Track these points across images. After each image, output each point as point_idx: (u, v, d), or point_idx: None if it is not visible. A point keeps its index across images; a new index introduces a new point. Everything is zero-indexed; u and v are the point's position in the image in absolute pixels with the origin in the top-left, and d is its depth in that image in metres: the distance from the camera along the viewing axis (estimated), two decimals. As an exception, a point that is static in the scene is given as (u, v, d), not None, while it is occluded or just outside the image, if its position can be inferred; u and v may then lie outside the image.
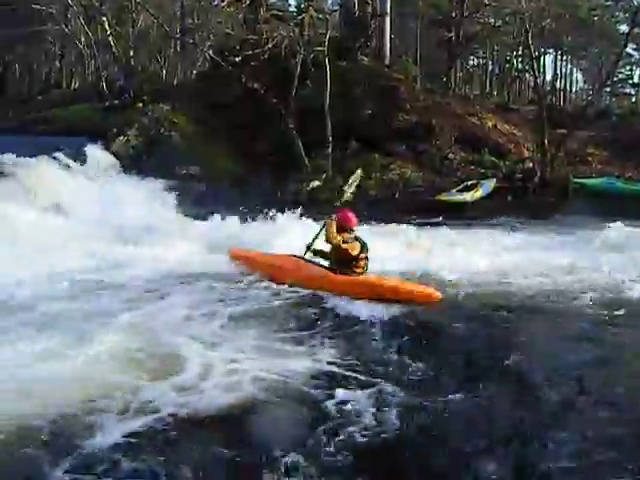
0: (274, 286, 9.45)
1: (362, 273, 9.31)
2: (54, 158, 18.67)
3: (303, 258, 9.83)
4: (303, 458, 4.71)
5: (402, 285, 9.07)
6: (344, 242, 9.19)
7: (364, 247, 9.29)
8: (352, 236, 9.34)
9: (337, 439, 4.99)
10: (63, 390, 5.73)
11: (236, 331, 7.42)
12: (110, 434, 4.94)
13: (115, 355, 6.53)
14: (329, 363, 6.51)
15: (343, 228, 9.37)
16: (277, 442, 4.90)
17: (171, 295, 8.97)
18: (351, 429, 5.15)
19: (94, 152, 20.26)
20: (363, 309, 8.36)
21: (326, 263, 9.67)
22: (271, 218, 13.55)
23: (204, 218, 15.35)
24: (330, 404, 5.59)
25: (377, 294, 8.77)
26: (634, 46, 48.24)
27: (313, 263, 9.71)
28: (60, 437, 4.93)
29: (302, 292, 9.19)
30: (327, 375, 6.25)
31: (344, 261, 9.27)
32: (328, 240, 9.27)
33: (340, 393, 5.74)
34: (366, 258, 9.33)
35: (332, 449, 4.87)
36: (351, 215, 9.55)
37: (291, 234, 11.67)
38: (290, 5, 42.63)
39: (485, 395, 5.89)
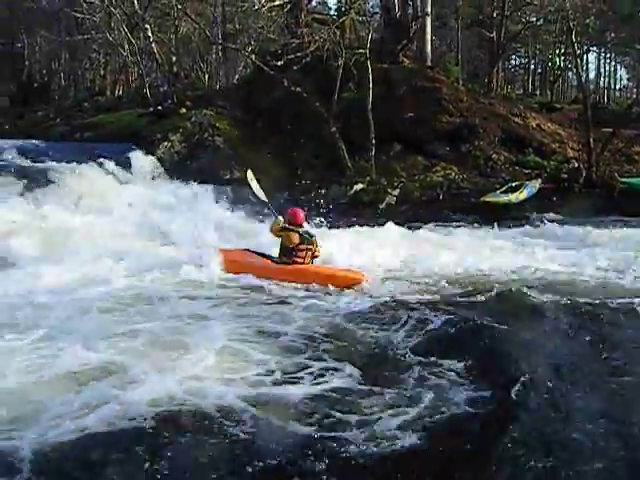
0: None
1: (303, 263, 10.61)
2: (100, 164, 18.97)
3: (251, 251, 11.30)
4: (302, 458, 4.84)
5: (331, 272, 10.48)
6: (284, 230, 10.69)
7: (305, 240, 10.58)
8: (298, 230, 10.64)
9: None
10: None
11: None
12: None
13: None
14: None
15: (292, 224, 10.72)
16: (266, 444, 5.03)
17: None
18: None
19: (139, 158, 20.53)
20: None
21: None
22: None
23: (251, 221, 15.67)
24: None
25: (310, 280, 10.25)
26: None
27: (259, 254, 11.12)
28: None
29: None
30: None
31: (284, 250, 10.63)
32: (271, 231, 10.90)
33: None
34: (308, 250, 10.62)
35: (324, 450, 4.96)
36: (299, 213, 10.93)
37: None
38: (331, 9, 42.67)
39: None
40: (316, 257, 10.84)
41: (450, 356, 6.85)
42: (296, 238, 10.55)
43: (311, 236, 10.75)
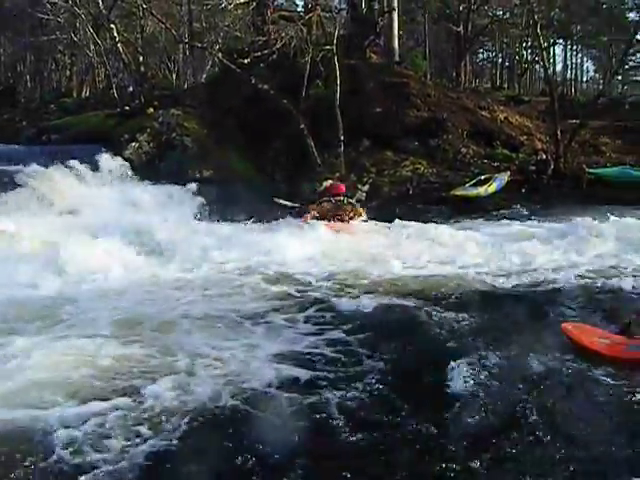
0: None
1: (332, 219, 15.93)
2: (67, 166, 18.73)
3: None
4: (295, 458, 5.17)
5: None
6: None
7: (333, 206, 16.24)
8: (332, 199, 16.52)
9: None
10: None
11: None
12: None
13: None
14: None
15: (333, 194, 16.42)
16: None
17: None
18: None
19: (107, 159, 20.18)
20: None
21: None
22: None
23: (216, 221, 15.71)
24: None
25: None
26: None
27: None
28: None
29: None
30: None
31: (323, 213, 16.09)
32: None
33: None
34: (336, 215, 16.12)
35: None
36: (338, 186, 16.97)
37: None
38: (297, 5, 42.56)
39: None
40: (351, 218, 16.29)
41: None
42: (328, 206, 16.26)
43: (344, 204, 16.42)
